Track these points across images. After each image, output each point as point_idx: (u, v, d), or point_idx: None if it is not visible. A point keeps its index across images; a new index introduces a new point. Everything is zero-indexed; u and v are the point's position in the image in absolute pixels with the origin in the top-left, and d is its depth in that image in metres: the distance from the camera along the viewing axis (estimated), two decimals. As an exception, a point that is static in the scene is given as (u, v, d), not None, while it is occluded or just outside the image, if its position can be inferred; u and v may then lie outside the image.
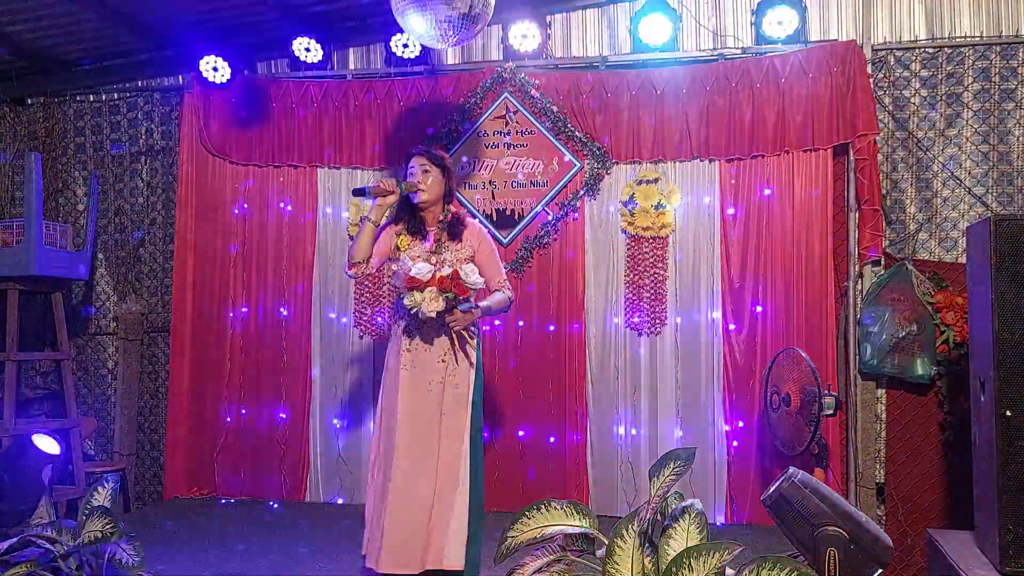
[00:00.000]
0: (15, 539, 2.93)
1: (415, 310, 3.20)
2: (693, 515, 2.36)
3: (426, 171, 3.36)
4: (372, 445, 3.46)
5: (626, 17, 5.09)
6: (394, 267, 3.38)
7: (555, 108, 5.03)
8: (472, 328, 3.36)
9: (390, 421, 3.30)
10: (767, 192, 4.80)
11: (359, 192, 3.39)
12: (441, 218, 3.41)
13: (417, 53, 5.12)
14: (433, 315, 3.17)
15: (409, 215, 3.41)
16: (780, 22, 4.75)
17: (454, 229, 3.39)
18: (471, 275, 3.21)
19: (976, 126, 4.71)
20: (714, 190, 4.88)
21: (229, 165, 5.47)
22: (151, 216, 5.81)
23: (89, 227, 5.53)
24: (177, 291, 5.43)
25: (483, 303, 3.34)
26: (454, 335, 3.30)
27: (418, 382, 3.27)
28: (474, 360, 3.35)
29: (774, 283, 4.76)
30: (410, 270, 3.21)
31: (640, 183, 4.93)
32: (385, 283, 5.21)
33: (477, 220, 3.55)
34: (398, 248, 3.38)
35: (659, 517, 2.41)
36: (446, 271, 3.19)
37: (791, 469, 2.79)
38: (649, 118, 4.93)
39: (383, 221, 3.40)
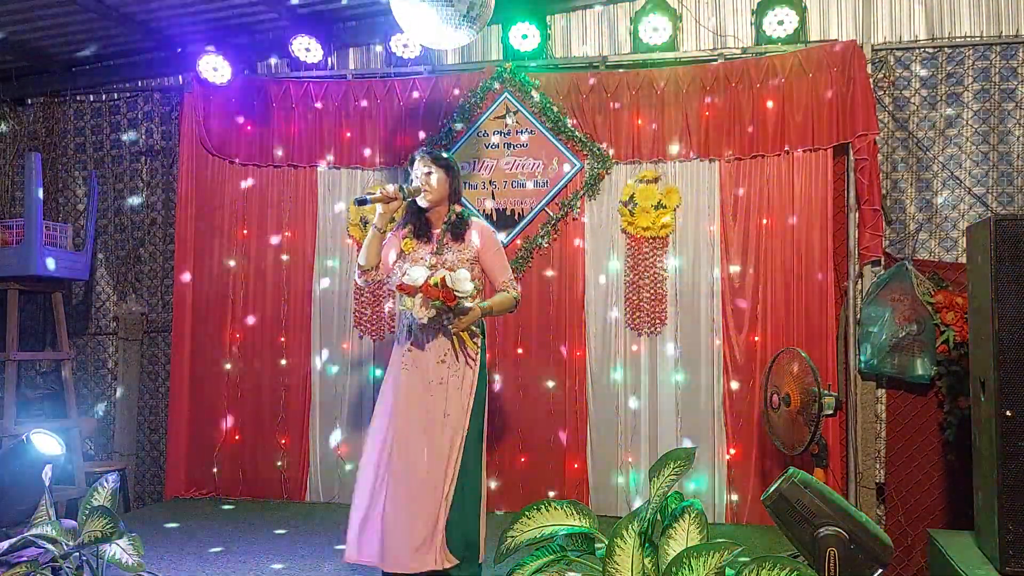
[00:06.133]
0: (15, 539, 2.93)
1: (409, 314, 3.19)
2: (693, 515, 2.36)
3: (429, 172, 3.34)
4: (366, 445, 3.41)
5: (626, 17, 5.10)
6: (395, 269, 3.37)
7: (555, 108, 5.03)
8: (475, 328, 3.33)
9: (387, 421, 3.28)
10: (767, 192, 4.80)
11: (361, 202, 3.32)
12: (446, 219, 3.38)
13: (417, 53, 5.12)
14: (425, 320, 3.15)
15: (415, 217, 3.39)
16: (780, 22, 4.76)
17: (457, 229, 3.35)
18: (461, 282, 3.12)
19: (976, 126, 4.71)
20: (714, 190, 4.88)
21: (229, 165, 5.47)
22: (151, 216, 5.82)
23: (89, 227, 5.53)
24: (177, 291, 5.43)
25: (486, 303, 3.31)
26: (454, 336, 3.27)
27: (417, 382, 3.25)
28: (475, 360, 3.33)
29: (774, 283, 4.76)
30: (404, 275, 3.19)
31: (640, 183, 4.93)
32: (386, 283, 5.21)
33: (482, 219, 3.50)
34: (403, 251, 3.37)
35: (659, 517, 2.41)
36: (438, 276, 3.15)
37: (791, 469, 2.79)
38: (649, 118, 4.94)
39: (390, 227, 3.38)
